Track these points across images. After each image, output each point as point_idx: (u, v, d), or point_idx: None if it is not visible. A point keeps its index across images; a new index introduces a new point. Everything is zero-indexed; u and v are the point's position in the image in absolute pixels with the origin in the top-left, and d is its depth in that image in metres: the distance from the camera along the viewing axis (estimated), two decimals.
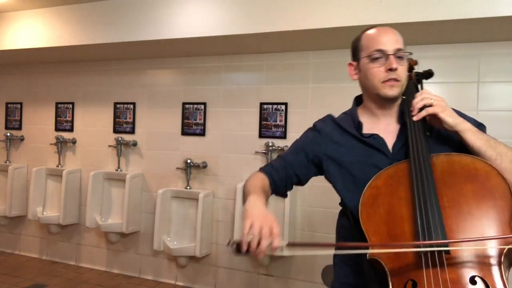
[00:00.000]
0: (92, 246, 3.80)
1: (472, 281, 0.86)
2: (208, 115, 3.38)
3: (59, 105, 3.97)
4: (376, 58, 1.19)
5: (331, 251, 0.93)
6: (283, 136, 3.09)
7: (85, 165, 3.83)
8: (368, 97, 1.28)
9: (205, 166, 3.34)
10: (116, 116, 3.71)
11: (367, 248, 0.97)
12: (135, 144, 3.62)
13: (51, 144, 3.92)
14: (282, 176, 1.30)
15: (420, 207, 0.96)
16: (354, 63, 1.30)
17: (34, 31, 3.36)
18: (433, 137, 1.18)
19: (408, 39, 2.76)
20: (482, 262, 0.88)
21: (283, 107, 3.09)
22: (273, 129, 3.12)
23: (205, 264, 3.34)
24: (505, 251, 0.87)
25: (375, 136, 1.22)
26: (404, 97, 1.26)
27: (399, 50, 1.18)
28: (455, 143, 1.14)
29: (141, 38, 2.97)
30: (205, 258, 3.32)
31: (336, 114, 1.41)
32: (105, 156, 3.75)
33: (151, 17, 2.93)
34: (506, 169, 1.03)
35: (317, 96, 3.00)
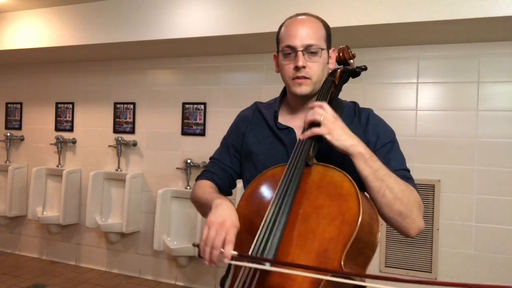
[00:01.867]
0: (92, 246, 3.80)
1: None
2: (208, 115, 3.38)
3: (59, 105, 3.97)
4: (288, 54, 1.14)
5: (271, 268, 0.87)
6: None
7: (85, 165, 3.83)
8: (288, 91, 1.24)
9: (205, 166, 3.34)
10: (116, 116, 3.72)
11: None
12: (135, 144, 3.62)
13: (51, 144, 3.92)
14: (223, 178, 1.28)
15: (268, 218, 0.95)
16: (277, 56, 1.23)
17: (34, 31, 3.36)
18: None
19: (408, 39, 2.77)
20: (304, 282, 0.87)
21: None
22: None
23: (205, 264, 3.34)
24: (322, 282, 0.85)
25: (290, 130, 1.18)
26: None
27: (309, 46, 1.11)
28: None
29: (141, 38, 2.97)
30: None
31: None
32: (105, 156, 3.75)
33: (151, 17, 2.94)
34: (385, 204, 0.99)
35: None
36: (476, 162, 2.66)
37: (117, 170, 3.62)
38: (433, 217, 2.71)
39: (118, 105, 3.71)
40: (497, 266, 2.58)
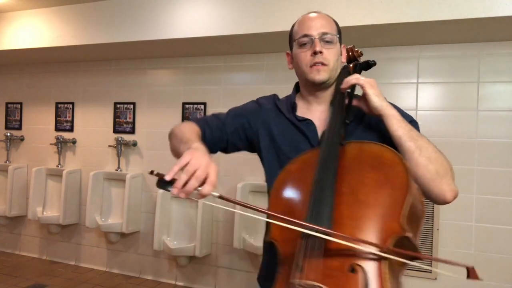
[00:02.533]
0: (92, 246, 3.80)
1: (352, 269, 0.85)
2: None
3: (59, 105, 3.97)
4: (304, 43, 1.17)
5: (254, 215, 0.90)
6: None
7: (85, 165, 3.83)
8: (302, 84, 1.26)
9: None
10: (116, 116, 3.72)
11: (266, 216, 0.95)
12: (135, 144, 3.62)
13: (51, 144, 3.92)
14: (215, 136, 1.24)
15: (315, 194, 0.94)
16: (290, 53, 1.27)
17: (34, 31, 3.36)
18: (360, 127, 1.15)
19: (408, 39, 2.77)
20: (364, 253, 0.86)
21: None
22: None
23: (205, 264, 3.34)
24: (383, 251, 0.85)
25: (308, 122, 1.19)
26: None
27: (324, 34, 1.16)
28: (381, 134, 1.11)
29: (141, 38, 2.97)
30: (205, 258, 3.32)
31: None
32: (105, 156, 3.75)
33: (151, 17, 2.94)
34: (422, 163, 1.00)
35: None
36: (476, 162, 2.66)
37: (117, 170, 3.62)
38: (433, 217, 2.71)
39: (118, 105, 3.71)
40: (497, 266, 2.58)
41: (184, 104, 3.45)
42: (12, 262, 3.88)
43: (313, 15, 1.23)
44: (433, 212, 2.71)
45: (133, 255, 3.62)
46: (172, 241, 3.28)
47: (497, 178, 2.61)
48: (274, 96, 1.34)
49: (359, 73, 1.24)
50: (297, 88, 1.31)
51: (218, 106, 3.34)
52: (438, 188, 1.01)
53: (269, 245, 1.05)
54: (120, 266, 3.68)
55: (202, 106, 3.38)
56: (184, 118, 3.44)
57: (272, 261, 1.03)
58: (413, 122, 1.15)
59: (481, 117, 2.66)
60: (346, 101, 1.14)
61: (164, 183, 0.87)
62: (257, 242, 2.99)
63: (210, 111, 3.36)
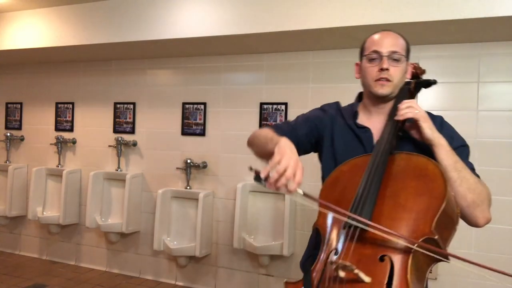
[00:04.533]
0: (92, 246, 3.80)
1: (381, 258, 0.97)
2: (208, 115, 3.38)
3: (59, 105, 3.97)
4: (373, 59, 1.27)
5: (338, 216, 1.04)
6: None
7: (85, 165, 3.83)
8: (365, 94, 1.37)
9: (205, 166, 3.34)
10: (116, 116, 3.72)
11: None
12: (135, 144, 3.62)
13: (51, 144, 3.92)
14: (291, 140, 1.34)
15: (360, 193, 1.08)
16: (360, 63, 1.37)
17: (34, 31, 3.36)
18: (410, 141, 1.25)
19: (408, 39, 2.77)
20: (395, 245, 0.99)
21: (283, 107, 3.10)
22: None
23: (205, 264, 3.34)
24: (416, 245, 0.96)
25: (366, 129, 1.31)
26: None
27: (394, 52, 1.25)
28: (429, 154, 1.20)
29: (141, 38, 2.97)
30: (205, 258, 3.32)
31: None
32: (105, 156, 3.75)
33: (151, 17, 2.93)
34: (461, 192, 1.11)
35: (317, 96, 3.00)
36: (476, 162, 2.63)
37: (117, 170, 3.62)
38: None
39: (118, 105, 3.71)
40: (497, 266, 2.58)
41: (184, 104, 3.45)
42: (12, 262, 3.88)
43: (385, 32, 1.32)
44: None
45: (133, 255, 3.62)
46: (172, 241, 3.28)
47: (497, 178, 2.61)
48: (337, 103, 1.46)
49: (419, 89, 1.38)
50: (359, 98, 1.43)
51: (218, 106, 3.34)
52: (472, 215, 1.15)
53: (314, 231, 1.24)
54: (120, 266, 3.68)
55: (202, 106, 3.38)
56: (184, 118, 3.44)
57: (315, 246, 1.20)
58: (464, 147, 1.29)
59: (481, 117, 2.66)
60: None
61: (259, 178, 1.01)
62: (257, 242, 2.99)
63: (210, 111, 3.37)
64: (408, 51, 1.31)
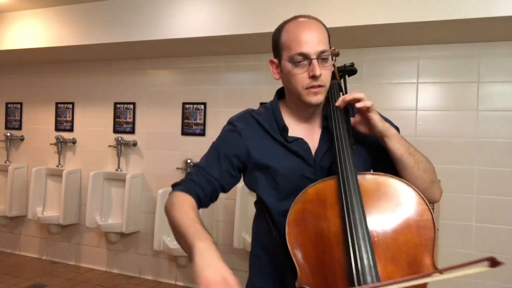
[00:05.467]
0: (92, 246, 3.80)
1: None
2: (208, 115, 3.38)
3: (59, 105, 3.97)
4: (299, 62, 1.08)
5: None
6: None
7: (85, 165, 3.83)
8: (291, 100, 1.19)
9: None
10: (116, 116, 3.72)
11: None
12: (135, 144, 3.62)
13: (51, 144, 3.92)
14: (207, 191, 1.16)
15: (353, 245, 0.91)
16: (276, 61, 1.21)
17: (34, 31, 3.36)
18: (360, 143, 1.13)
19: (408, 39, 2.76)
20: None
21: None
22: None
23: None
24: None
25: (299, 141, 1.14)
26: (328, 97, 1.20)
27: (322, 52, 1.06)
28: (371, 147, 1.14)
29: (141, 38, 2.97)
30: None
31: None
32: (105, 156, 3.75)
33: (151, 17, 2.93)
34: (420, 176, 1.06)
35: None
36: (476, 162, 2.66)
37: (117, 170, 3.62)
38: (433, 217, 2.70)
39: (118, 105, 3.71)
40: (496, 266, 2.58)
41: (184, 104, 3.45)
42: (12, 262, 3.88)
43: (304, 21, 1.13)
44: (433, 212, 2.70)
45: (133, 255, 3.62)
46: (172, 241, 3.28)
47: (498, 178, 2.61)
48: (250, 113, 1.25)
49: (344, 80, 1.24)
50: (279, 95, 1.28)
51: (218, 106, 3.34)
52: (432, 194, 1.10)
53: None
54: (120, 266, 3.68)
55: (202, 106, 3.38)
56: (184, 118, 3.44)
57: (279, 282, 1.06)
58: (397, 128, 1.15)
59: (481, 117, 2.66)
60: (342, 122, 1.10)
61: None
62: None
63: (210, 111, 3.36)
64: (329, 37, 1.13)
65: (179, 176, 3.42)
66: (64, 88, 3.96)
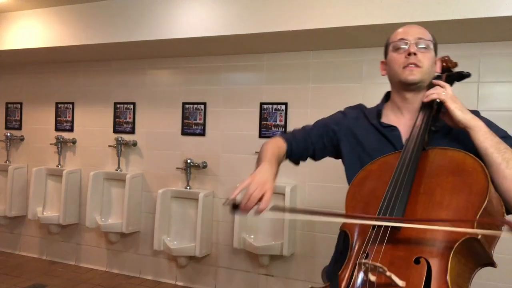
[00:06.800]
0: (92, 246, 3.80)
1: (417, 261, 0.88)
2: (208, 115, 3.38)
3: (59, 105, 3.97)
4: (399, 48, 1.23)
5: (311, 217, 1.02)
6: None
7: (85, 165, 3.83)
8: (393, 89, 1.31)
9: (205, 166, 3.34)
10: (116, 116, 3.72)
11: (334, 216, 1.07)
12: (135, 144, 3.62)
13: (51, 144, 3.92)
14: (301, 147, 1.35)
15: (391, 191, 1.00)
16: (385, 61, 1.35)
17: (34, 31, 3.36)
18: (447, 138, 1.18)
19: None
20: (431, 245, 0.90)
21: (283, 107, 3.09)
22: (273, 129, 3.12)
23: (205, 264, 3.34)
24: (456, 244, 0.88)
25: (393, 128, 1.25)
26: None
27: (420, 39, 1.21)
28: (468, 148, 1.10)
29: (141, 38, 2.97)
30: (205, 258, 3.32)
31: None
32: (105, 156, 3.75)
33: (151, 17, 2.93)
34: (509, 176, 0.98)
35: (317, 96, 3.00)
36: None
37: (117, 170, 3.62)
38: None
39: (118, 105, 3.71)
40: (498, 266, 2.58)
41: (184, 104, 3.45)
42: (12, 262, 3.88)
43: (411, 25, 1.29)
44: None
45: (133, 255, 3.62)
46: (172, 241, 3.28)
47: None
48: (361, 105, 1.41)
49: (452, 84, 1.27)
50: (386, 98, 1.38)
51: (218, 106, 3.34)
52: None
53: (341, 234, 1.18)
54: (120, 266, 3.68)
55: (202, 106, 3.38)
56: (184, 118, 3.44)
57: (342, 250, 1.15)
58: (507, 138, 1.12)
59: None
60: (434, 110, 1.16)
61: (234, 207, 1.06)
62: (257, 242, 2.99)
63: (210, 111, 3.37)
64: (435, 45, 1.26)
65: (179, 176, 3.44)
66: (64, 88, 3.96)
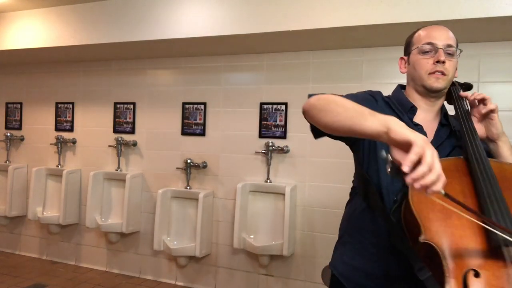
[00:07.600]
0: (92, 246, 3.80)
1: None
2: (208, 115, 3.38)
3: (59, 105, 3.97)
4: (426, 51, 1.21)
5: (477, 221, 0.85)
6: (283, 136, 3.09)
7: (85, 165, 3.83)
8: (413, 89, 1.29)
9: (205, 166, 3.34)
10: (116, 116, 3.72)
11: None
12: (135, 144, 3.62)
13: (51, 144, 3.92)
14: None
15: (491, 203, 0.93)
16: (405, 57, 1.34)
17: (34, 31, 3.36)
18: (450, 145, 1.20)
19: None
20: None
21: (283, 107, 3.10)
22: (273, 129, 3.13)
23: (205, 264, 3.34)
24: None
25: (419, 128, 1.21)
26: (446, 101, 1.32)
27: (449, 46, 1.20)
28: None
29: (141, 38, 2.97)
30: (205, 258, 3.32)
31: None
32: (105, 156, 3.75)
33: (151, 17, 2.94)
34: None
35: None
36: None
37: (117, 170, 3.62)
38: None
39: (118, 105, 3.71)
40: None
41: (184, 104, 3.45)
42: (12, 262, 3.88)
43: (437, 26, 1.26)
44: None
45: (133, 255, 3.62)
46: (172, 241, 3.28)
47: None
48: (381, 93, 1.36)
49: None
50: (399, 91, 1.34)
51: (218, 106, 3.34)
52: None
53: (422, 247, 0.97)
54: (120, 266, 3.68)
55: (202, 106, 3.38)
56: (184, 118, 3.44)
57: (372, 261, 1.12)
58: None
59: None
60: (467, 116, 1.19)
61: (397, 171, 0.82)
62: (257, 242, 2.99)
63: (210, 111, 3.37)
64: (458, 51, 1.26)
65: (179, 176, 3.44)
66: (64, 88, 3.96)
